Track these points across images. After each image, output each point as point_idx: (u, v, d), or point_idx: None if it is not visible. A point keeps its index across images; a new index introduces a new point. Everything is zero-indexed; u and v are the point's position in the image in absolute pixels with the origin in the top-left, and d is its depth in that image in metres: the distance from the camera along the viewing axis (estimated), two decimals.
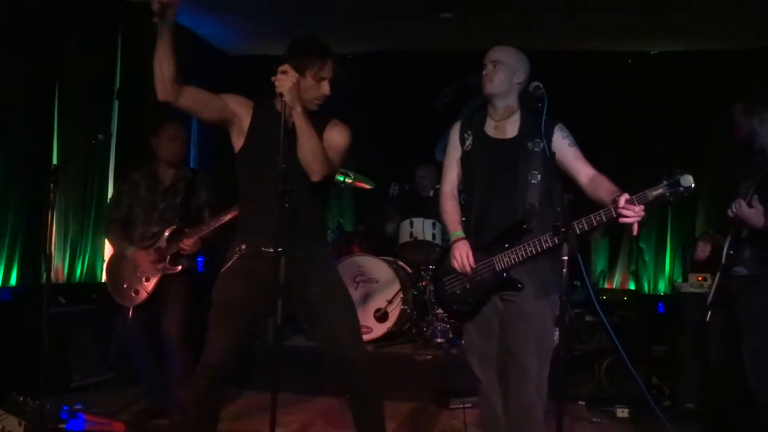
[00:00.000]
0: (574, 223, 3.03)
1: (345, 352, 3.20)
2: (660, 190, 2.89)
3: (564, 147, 3.23)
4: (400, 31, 7.43)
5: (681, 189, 2.85)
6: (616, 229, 7.77)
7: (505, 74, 3.25)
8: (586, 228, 3.04)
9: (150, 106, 6.49)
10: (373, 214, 7.52)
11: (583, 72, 7.45)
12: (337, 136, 3.19)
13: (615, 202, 2.92)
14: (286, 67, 2.92)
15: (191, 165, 7.56)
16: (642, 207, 2.88)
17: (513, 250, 3.17)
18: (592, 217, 3.02)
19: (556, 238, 3.04)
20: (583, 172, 3.18)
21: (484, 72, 3.29)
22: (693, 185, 2.83)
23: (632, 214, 2.89)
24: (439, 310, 5.82)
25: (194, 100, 3.08)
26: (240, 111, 3.19)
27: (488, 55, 3.31)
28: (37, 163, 5.44)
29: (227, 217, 4.24)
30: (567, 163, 3.22)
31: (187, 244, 4.38)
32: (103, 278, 5.11)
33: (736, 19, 6.50)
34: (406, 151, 7.73)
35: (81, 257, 6.03)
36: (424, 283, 6.20)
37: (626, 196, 2.90)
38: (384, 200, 7.15)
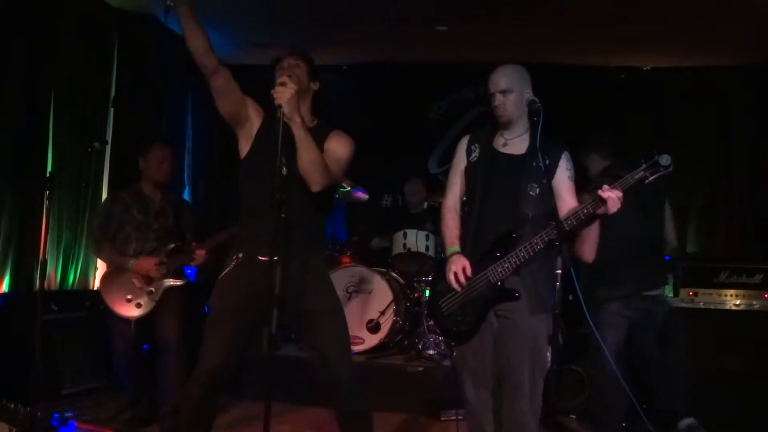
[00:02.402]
0: (563, 219, 3.09)
1: (331, 367, 3.20)
2: (641, 173, 3.01)
3: (563, 177, 3.30)
4: (395, 43, 7.45)
5: (661, 168, 2.98)
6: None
7: (515, 98, 3.26)
8: (575, 223, 3.10)
9: (145, 115, 6.52)
10: (367, 225, 7.54)
11: (576, 86, 7.49)
12: (339, 147, 3.22)
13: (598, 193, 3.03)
14: (284, 79, 2.95)
15: (185, 174, 7.58)
16: (620, 192, 2.99)
17: (506, 258, 3.19)
18: (580, 212, 3.09)
19: (545, 235, 3.09)
20: (569, 204, 3.24)
21: (494, 103, 3.29)
22: (671, 164, 2.97)
23: (613, 195, 2.97)
24: (431, 322, 5.84)
25: (225, 83, 3.13)
26: (253, 116, 3.26)
27: (494, 83, 3.29)
28: (32, 170, 5.44)
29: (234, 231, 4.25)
30: (558, 192, 3.27)
31: (199, 254, 4.47)
32: (97, 286, 5.09)
33: (727, 36, 6.55)
34: (399, 163, 7.76)
35: (74, 264, 6.02)
36: (416, 295, 6.21)
37: (607, 186, 3.02)
38: (375, 213, 7.17)
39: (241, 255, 3.18)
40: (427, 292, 6.07)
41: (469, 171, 3.42)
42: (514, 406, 3.22)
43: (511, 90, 3.26)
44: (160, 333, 4.48)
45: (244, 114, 3.23)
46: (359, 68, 8.19)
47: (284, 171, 2.93)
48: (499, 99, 3.27)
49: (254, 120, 3.25)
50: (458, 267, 3.25)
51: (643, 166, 3.01)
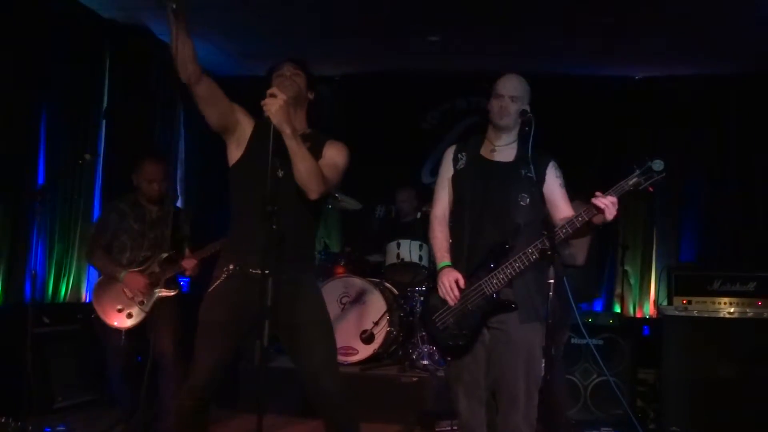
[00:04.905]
0: (558, 228, 3.09)
1: (319, 379, 3.19)
2: (635, 179, 3.01)
3: (555, 186, 3.31)
4: (388, 54, 7.46)
5: (654, 174, 2.98)
6: (601, 252, 7.82)
7: (517, 107, 3.30)
8: (570, 231, 3.09)
9: (137, 127, 6.51)
10: (360, 236, 7.53)
11: (567, 95, 7.50)
12: (336, 154, 3.23)
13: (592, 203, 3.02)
14: (273, 89, 2.94)
15: (177, 185, 7.56)
16: (615, 198, 2.98)
17: (500, 269, 3.17)
18: (575, 219, 3.09)
19: (539, 245, 3.08)
20: (564, 212, 3.25)
21: (501, 104, 3.31)
22: (664, 169, 2.97)
23: (607, 202, 2.97)
24: (424, 332, 5.82)
25: (209, 91, 3.09)
26: (243, 123, 3.22)
27: (506, 87, 3.32)
28: (23, 181, 5.42)
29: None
30: (552, 201, 3.28)
31: (190, 266, 4.46)
32: (88, 299, 5.08)
33: (719, 45, 6.58)
34: (392, 173, 7.75)
35: (66, 277, 5.99)
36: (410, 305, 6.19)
37: (600, 192, 3.01)
38: (369, 223, 7.15)
39: (231, 267, 3.16)
40: (421, 300, 6.06)
41: (457, 179, 3.41)
42: (509, 419, 3.20)
43: (518, 98, 3.30)
44: (156, 347, 4.39)
45: (232, 120, 3.20)
46: (352, 79, 8.19)
47: (279, 174, 2.91)
48: (506, 102, 3.30)
49: (245, 126, 3.22)
50: (450, 281, 3.23)
51: (637, 171, 3.01)
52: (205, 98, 3.09)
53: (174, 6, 2.83)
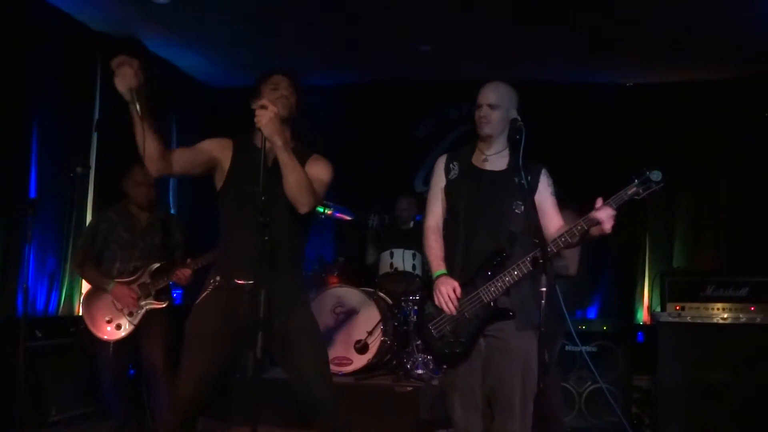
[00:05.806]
0: (556, 237, 3.08)
1: (310, 391, 3.20)
2: (634, 189, 3.03)
3: (546, 194, 3.31)
4: (379, 63, 7.48)
5: (652, 185, 3.00)
6: (593, 259, 7.83)
7: (500, 115, 3.29)
8: (569, 240, 3.08)
9: (129, 139, 6.48)
10: (353, 246, 7.52)
11: (559, 103, 7.51)
12: (319, 170, 3.24)
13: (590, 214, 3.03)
14: (265, 101, 2.95)
15: (171, 197, 7.54)
16: (612, 211, 3.01)
17: (498, 277, 3.17)
18: (574, 229, 3.08)
19: (537, 254, 3.07)
20: (554, 220, 3.26)
21: (480, 114, 3.31)
22: (662, 179, 2.99)
23: (609, 213, 3.00)
24: (419, 341, 5.81)
25: (183, 164, 3.12)
26: (221, 154, 3.22)
27: (483, 96, 3.32)
28: (15, 194, 5.40)
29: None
30: (543, 209, 3.27)
31: (183, 275, 4.46)
32: (80, 312, 5.08)
33: (710, 50, 6.61)
34: (385, 183, 7.75)
35: (59, 290, 5.96)
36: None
37: (601, 199, 3.02)
38: (363, 232, 7.15)
39: (218, 278, 3.16)
40: (415, 309, 6.04)
41: (450, 189, 3.41)
42: (505, 427, 3.20)
43: (498, 106, 3.29)
44: (146, 359, 4.43)
45: (212, 163, 3.22)
46: (344, 89, 8.19)
47: (263, 197, 2.91)
48: (485, 111, 3.29)
49: (223, 157, 3.23)
50: (449, 290, 3.21)
51: (636, 182, 3.01)
52: (182, 170, 3.14)
53: (138, 108, 2.85)
